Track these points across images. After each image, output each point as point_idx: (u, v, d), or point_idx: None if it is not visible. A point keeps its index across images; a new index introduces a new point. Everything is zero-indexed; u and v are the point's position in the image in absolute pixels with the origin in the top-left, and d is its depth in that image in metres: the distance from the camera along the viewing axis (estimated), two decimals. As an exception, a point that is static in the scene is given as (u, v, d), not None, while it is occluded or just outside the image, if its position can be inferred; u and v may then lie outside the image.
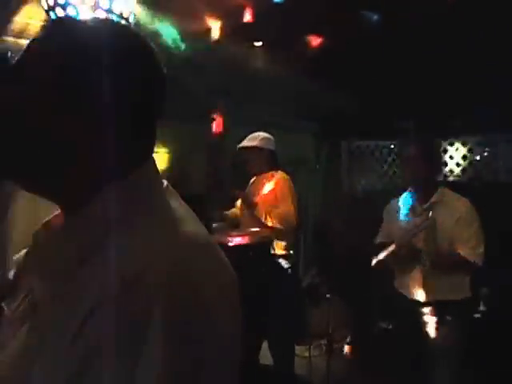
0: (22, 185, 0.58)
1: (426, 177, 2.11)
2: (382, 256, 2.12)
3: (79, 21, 0.57)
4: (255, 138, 2.61)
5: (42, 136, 0.52)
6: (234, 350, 0.51)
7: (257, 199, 2.59)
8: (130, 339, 0.44)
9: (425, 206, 2.10)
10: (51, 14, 1.60)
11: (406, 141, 2.55)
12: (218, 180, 3.56)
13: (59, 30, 0.56)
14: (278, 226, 2.48)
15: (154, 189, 0.58)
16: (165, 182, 0.61)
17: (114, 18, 1.74)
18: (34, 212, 1.06)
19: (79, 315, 0.46)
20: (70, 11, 1.58)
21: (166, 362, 0.43)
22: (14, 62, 0.57)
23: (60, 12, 1.58)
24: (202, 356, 0.46)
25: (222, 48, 2.72)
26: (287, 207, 2.48)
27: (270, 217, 2.49)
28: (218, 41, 2.60)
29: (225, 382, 0.50)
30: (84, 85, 0.52)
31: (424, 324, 2.04)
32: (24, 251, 0.81)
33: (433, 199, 2.09)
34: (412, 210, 2.15)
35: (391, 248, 2.08)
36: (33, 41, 0.56)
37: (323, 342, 2.97)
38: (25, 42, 0.59)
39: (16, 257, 0.84)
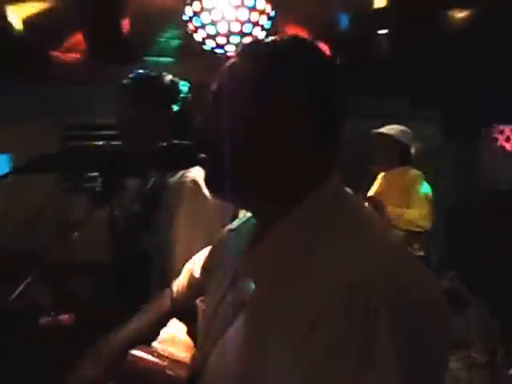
0: (231, 198, 0.65)
1: None
2: None
3: (270, 42, 0.61)
4: (392, 129, 2.47)
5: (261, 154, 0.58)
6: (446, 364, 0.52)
7: (385, 198, 2.44)
8: (354, 348, 0.44)
9: None
10: (206, 46, 1.71)
11: None
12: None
13: (256, 52, 0.60)
14: (411, 229, 2.31)
15: (349, 198, 0.60)
16: (349, 190, 0.62)
17: (257, 15, 1.79)
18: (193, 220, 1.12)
19: (304, 320, 0.48)
20: (220, 27, 1.66)
21: (401, 377, 0.43)
22: (214, 86, 0.64)
23: (221, 40, 1.68)
24: (426, 368, 0.46)
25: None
26: (422, 209, 2.30)
27: (401, 219, 2.31)
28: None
29: None
30: (284, 102, 0.56)
31: None
32: (205, 252, 0.85)
33: None
34: None
35: None
36: (230, 65, 0.62)
37: (467, 353, 2.70)
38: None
39: (198, 256, 0.89)
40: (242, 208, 0.73)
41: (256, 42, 0.63)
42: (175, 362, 0.68)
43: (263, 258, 0.59)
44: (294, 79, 0.57)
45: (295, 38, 0.62)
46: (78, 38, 2.69)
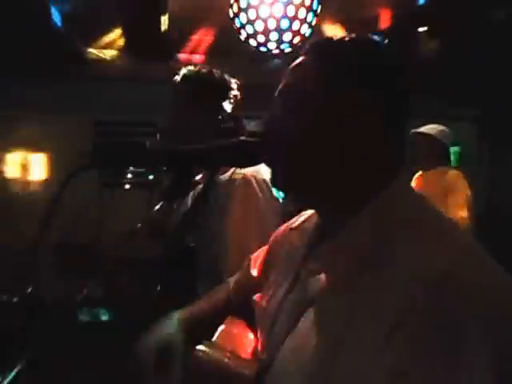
0: (300, 197, 0.65)
1: None
2: None
3: (341, 41, 0.61)
4: (432, 128, 2.42)
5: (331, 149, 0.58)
6: None
7: None
8: (442, 347, 0.43)
9: None
10: (251, 41, 1.71)
11: None
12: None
13: (328, 52, 0.60)
14: None
15: (419, 197, 0.59)
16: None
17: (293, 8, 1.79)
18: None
19: (386, 319, 0.47)
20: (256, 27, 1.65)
21: (492, 379, 0.42)
22: (282, 83, 0.63)
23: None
24: None
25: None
26: (461, 212, 2.21)
27: None
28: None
29: None
30: (359, 101, 0.56)
31: None
32: (263, 250, 0.85)
33: None
34: None
35: None
36: (300, 64, 0.62)
37: None
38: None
39: (255, 255, 0.89)
40: (309, 207, 0.72)
41: (322, 41, 0.63)
42: (239, 358, 0.68)
43: (333, 256, 0.58)
44: (367, 78, 0.57)
45: (361, 36, 0.62)
46: (115, 35, 2.71)
